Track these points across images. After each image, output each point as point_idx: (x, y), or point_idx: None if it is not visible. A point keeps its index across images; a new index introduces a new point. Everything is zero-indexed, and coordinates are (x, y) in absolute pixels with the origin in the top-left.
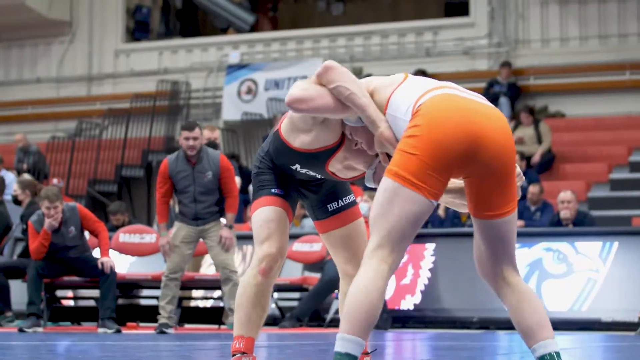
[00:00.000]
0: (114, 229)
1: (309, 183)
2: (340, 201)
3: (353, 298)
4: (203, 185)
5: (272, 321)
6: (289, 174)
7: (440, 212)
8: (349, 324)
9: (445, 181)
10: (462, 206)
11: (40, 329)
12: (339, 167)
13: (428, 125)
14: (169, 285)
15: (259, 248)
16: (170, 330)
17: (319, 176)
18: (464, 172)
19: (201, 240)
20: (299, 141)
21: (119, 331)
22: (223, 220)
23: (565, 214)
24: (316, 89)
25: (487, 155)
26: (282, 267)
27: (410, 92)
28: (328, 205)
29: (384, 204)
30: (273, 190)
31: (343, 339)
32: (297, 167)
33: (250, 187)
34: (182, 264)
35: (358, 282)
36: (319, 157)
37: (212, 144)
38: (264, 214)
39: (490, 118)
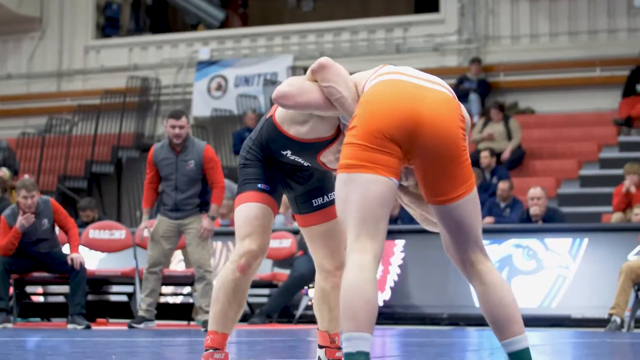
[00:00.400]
0: (83, 225)
1: (296, 173)
2: (325, 197)
3: (346, 296)
4: (185, 174)
5: (241, 317)
6: (278, 159)
7: None
8: (350, 322)
9: (397, 155)
10: (429, 222)
11: (9, 325)
12: (330, 159)
13: (364, 117)
14: (148, 279)
15: (240, 244)
16: (149, 324)
17: (306, 164)
18: (408, 158)
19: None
20: (294, 130)
21: (88, 327)
22: (204, 219)
23: (534, 210)
24: (303, 85)
25: (427, 142)
26: (260, 264)
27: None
28: (313, 200)
29: (345, 198)
30: (259, 185)
31: (350, 339)
32: (288, 153)
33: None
34: (161, 258)
35: (346, 280)
36: (312, 148)
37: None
38: (249, 210)
39: (431, 103)
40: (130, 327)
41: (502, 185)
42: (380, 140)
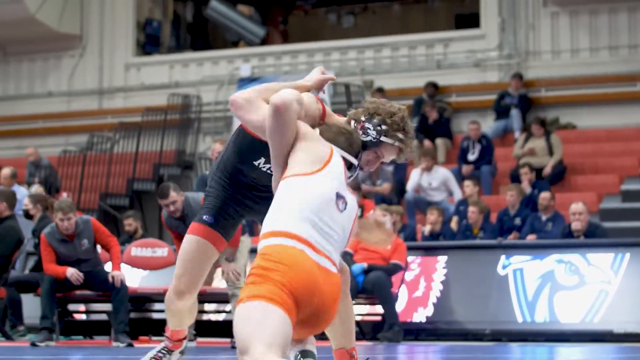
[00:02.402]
0: (128, 239)
1: (254, 192)
2: None
3: None
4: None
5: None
6: (243, 179)
7: (453, 224)
8: None
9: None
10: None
11: (52, 343)
12: None
13: (282, 283)
14: None
15: (173, 279)
16: (187, 344)
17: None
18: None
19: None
20: None
21: (131, 345)
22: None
23: (576, 225)
24: (255, 102)
25: (316, 322)
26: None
27: (285, 206)
28: None
29: (256, 321)
30: (204, 217)
31: None
32: (261, 161)
33: None
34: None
35: None
36: None
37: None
38: (187, 245)
39: (329, 296)
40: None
41: (543, 195)
42: (292, 301)
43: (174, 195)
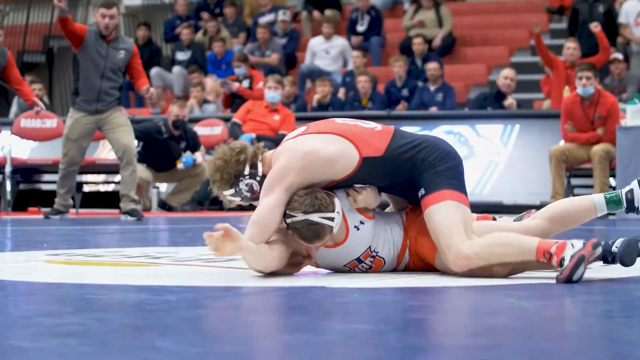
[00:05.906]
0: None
1: None
2: None
3: None
4: (114, 63)
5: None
6: None
7: (340, 95)
8: None
9: None
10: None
11: None
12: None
13: None
14: (67, 177)
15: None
16: (64, 216)
17: None
18: None
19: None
20: None
21: None
22: (123, 111)
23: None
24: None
25: None
26: None
27: None
28: None
29: None
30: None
31: None
32: None
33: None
34: (80, 157)
35: None
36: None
37: (180, 122)
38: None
39: None
40: (46, 217)
41: (431, 66)
42: None
43: (115, 11)
